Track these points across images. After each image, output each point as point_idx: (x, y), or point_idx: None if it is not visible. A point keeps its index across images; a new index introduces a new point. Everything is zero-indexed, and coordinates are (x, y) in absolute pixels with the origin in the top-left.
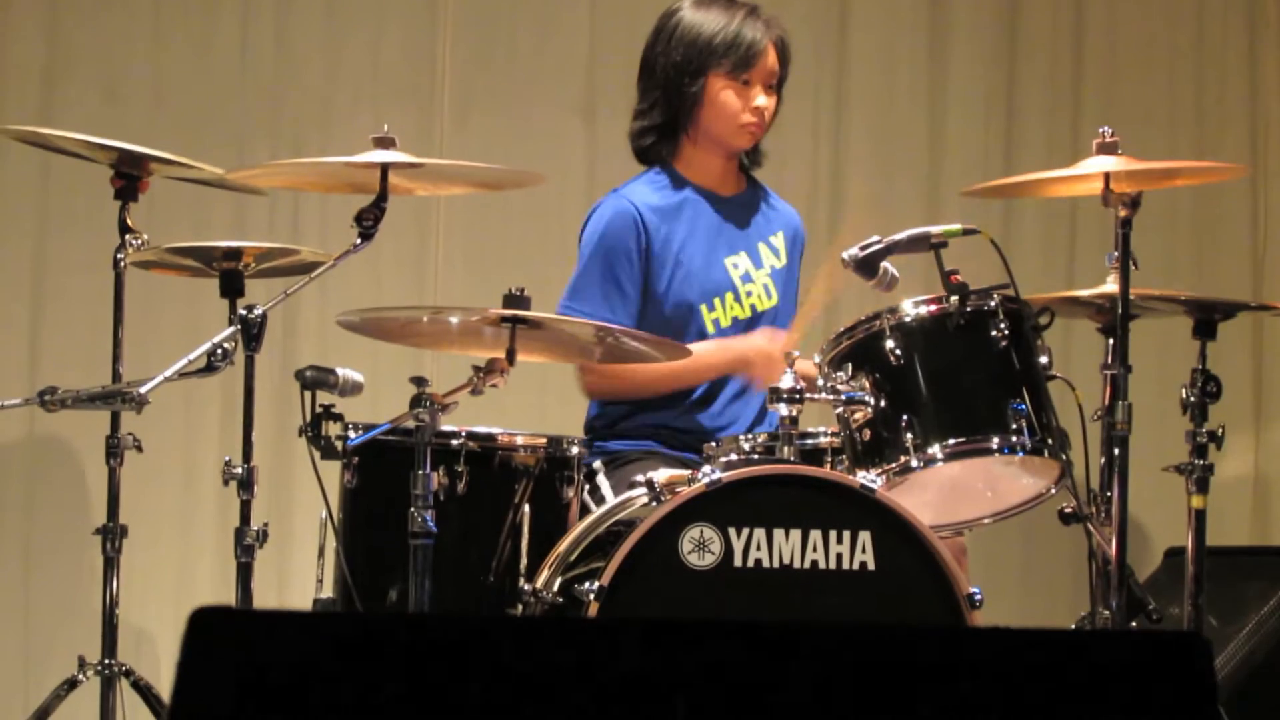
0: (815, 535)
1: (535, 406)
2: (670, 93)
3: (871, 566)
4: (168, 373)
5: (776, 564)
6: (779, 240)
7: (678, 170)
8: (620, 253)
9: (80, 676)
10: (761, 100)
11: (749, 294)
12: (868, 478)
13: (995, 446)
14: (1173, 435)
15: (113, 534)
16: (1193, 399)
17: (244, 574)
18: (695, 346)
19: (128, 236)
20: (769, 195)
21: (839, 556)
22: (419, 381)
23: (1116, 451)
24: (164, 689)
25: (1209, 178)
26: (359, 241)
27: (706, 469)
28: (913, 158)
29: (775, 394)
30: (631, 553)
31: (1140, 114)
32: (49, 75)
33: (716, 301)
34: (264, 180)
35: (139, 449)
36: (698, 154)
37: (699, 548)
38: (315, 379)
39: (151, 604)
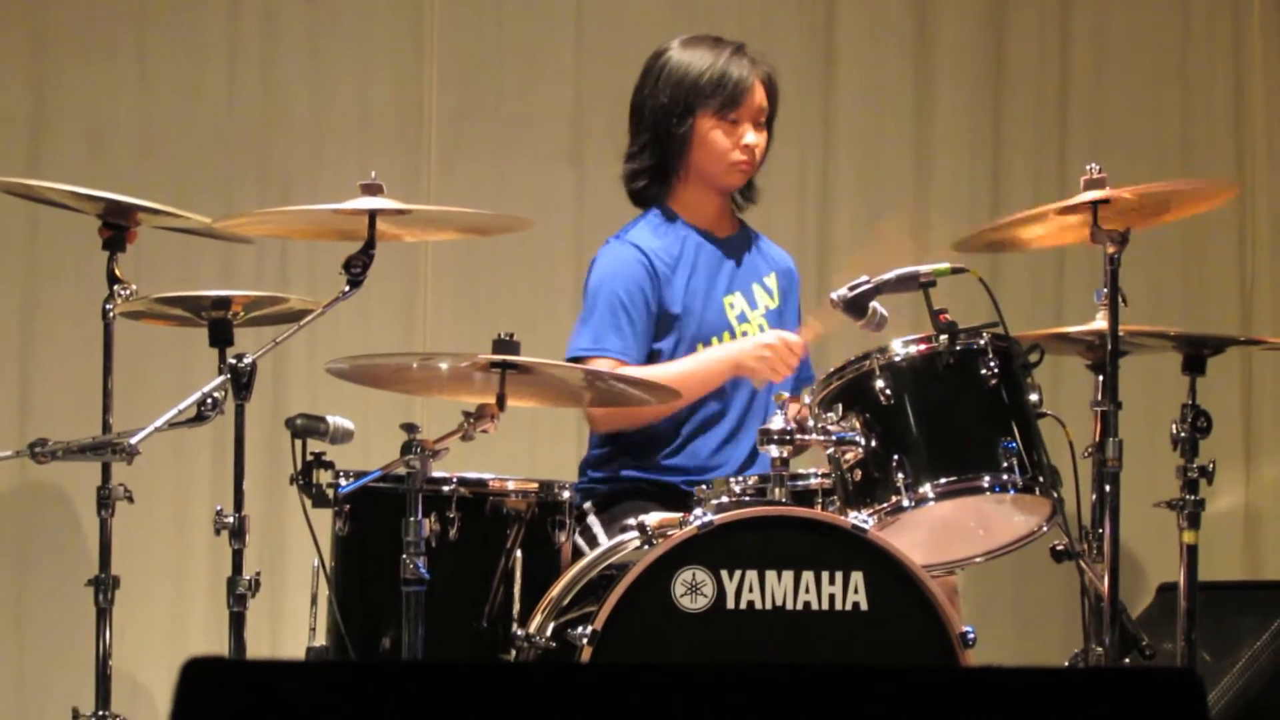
0: (808, 576)
1: (526, 451)
2: (660, 134)
3: (864, 607)
4: (158, 423)
5: (769, 606)
6: (772, 281)
7: (674, 210)
8: (629, 293)
9: None
10: (750, 137)
11: (744, 334)
12: (859, 518)
13: (986, 485)
14: (1164, 471)
15: (105, 585)
16: (1183, 434)
17: (237, 623)
18: (689, 359)
19: (116, 287)
20: (760, 238)
21: (831, 597)
22: (409, 428)
23: (1107, 488)
24: None
25: (1198, 203)
26: (347, 289)
27: (698, 511)
28: (900, 197)
29: (766, 436)
30: (624, 596)
31: (1126, 149)
32: (35, 126)
33: (714, 341)
34: (251, 229)
35: (130, 499)
36: (691, 194)
37: (691, 590)
38: (306, 427)
39: (145, 654)
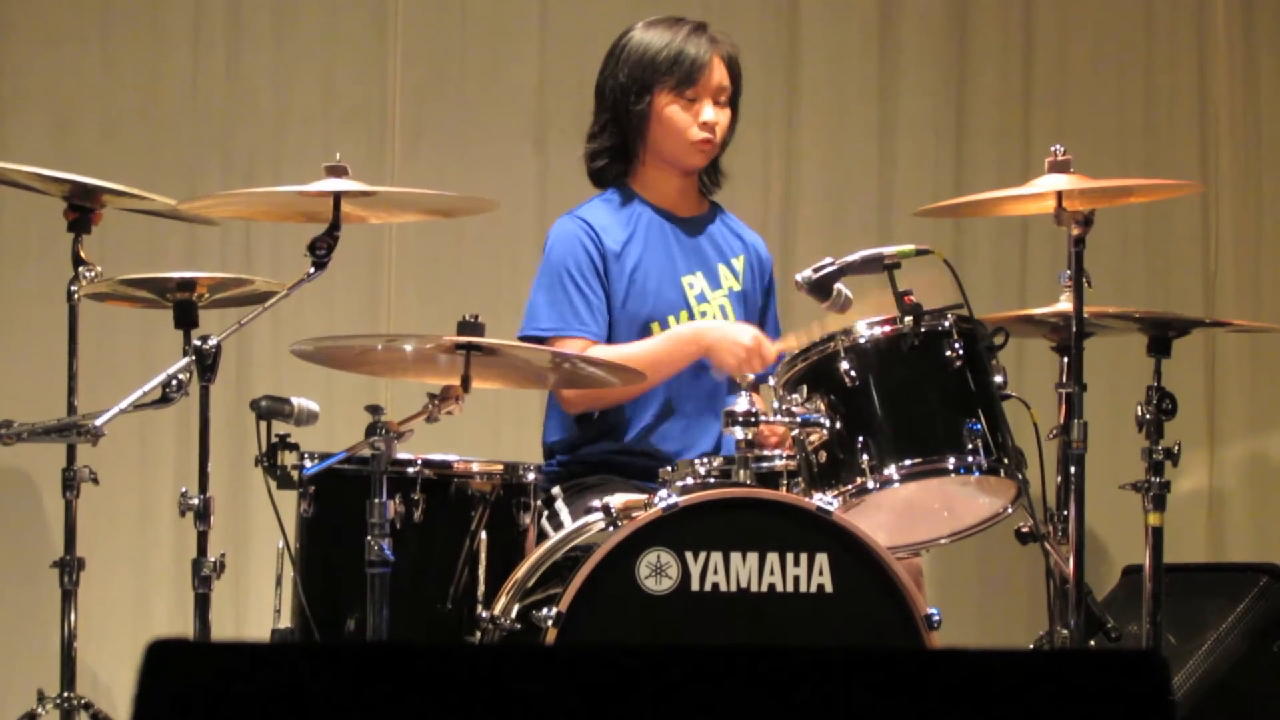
0: (772, 558)
1: (491, 433)
2: (619, 113)
3: (829, 589)
4: (123, 404)
5: (734, 588)
6: (739, 263)
7: (634, 190)
8: (576, 267)
9: (39, 710)
10: (710, 114)
11: (704, 314)
12: (824, 500)
13: (951, 467)
14: (1129, 453)
15: (70, 566)
16: (1148, 416)
17: (201, 605)
18: (658, 338)
19: (81, 268)
20: (731, 220)
21: (796, 579)
22: (374, 410)
23: (1072, 470)
24: None
25: (1162, 195)
26: (312, 270)
27: (663, 493)
28: (864, 179)
29: (730, 418)
30: (589, 578)
31: (1090, 131)
32: None
33: (671, 320)
34: (216, 210)
35: (95, 481)
36: (653, 174)
37: (656, 572)
38: (270, 409)
39: (110, 636)
